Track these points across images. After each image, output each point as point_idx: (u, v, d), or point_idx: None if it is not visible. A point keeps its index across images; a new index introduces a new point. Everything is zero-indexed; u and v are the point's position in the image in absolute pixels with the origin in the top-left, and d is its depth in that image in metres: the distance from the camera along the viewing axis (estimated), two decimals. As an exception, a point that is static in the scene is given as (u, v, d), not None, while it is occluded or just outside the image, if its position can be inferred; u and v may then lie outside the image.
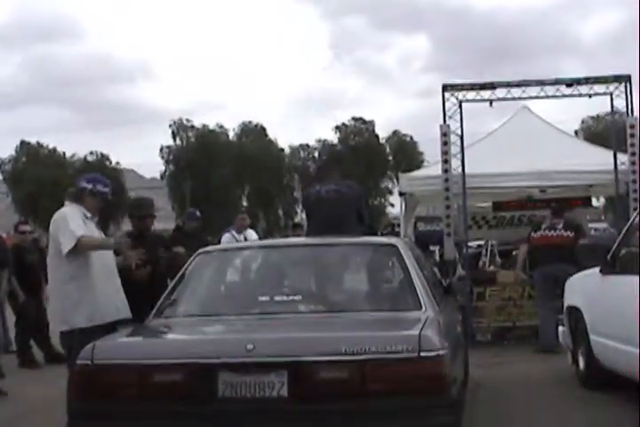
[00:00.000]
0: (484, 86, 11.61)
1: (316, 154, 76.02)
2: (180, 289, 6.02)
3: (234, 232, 12.31)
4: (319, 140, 76.98)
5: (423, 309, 5.45)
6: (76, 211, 6.53)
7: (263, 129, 77.05)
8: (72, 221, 6.35)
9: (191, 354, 4.80)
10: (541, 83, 11.56)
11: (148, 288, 6.71)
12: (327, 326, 5.35)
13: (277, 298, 5.77)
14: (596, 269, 7.77)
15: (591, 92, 11.41)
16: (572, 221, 11.32)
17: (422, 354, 4.58)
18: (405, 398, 4.56)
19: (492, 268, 16.07)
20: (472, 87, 11.63)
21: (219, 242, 11.66)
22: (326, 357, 4.63)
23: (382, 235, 15.52)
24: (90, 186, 6.69)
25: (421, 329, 4.82)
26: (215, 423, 4.68)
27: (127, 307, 6.58)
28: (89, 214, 6.62)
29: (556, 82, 11.50)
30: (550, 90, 11.51)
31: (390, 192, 74.47)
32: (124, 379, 4.82)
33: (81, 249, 6.33)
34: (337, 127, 77.04)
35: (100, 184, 6.77)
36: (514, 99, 11.79)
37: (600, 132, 58.82)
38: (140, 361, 4.82)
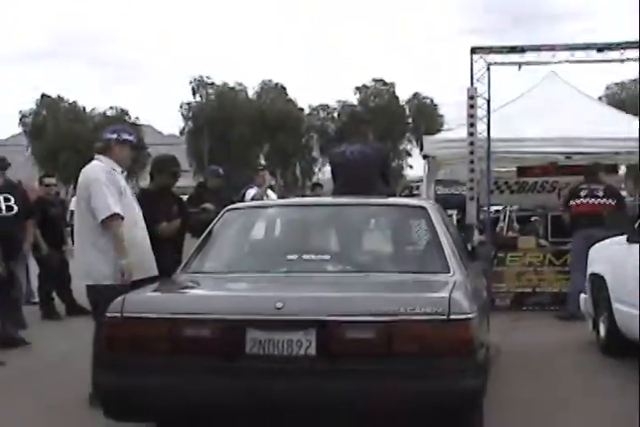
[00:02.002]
0: (513, 49, 11.52)
1: (336, 114, 75.69)
2: (208, 245, 6.02)
3: (256, 188, 12.27)
4: (339, 101, 76.65)
5: (451, 272, 5.44)
6: (108, 169, 6.50)
7: (283, 88, 76.67)
8: (108, 192, 6.33)
9: (220, 310, 4.81)
10: (571, 47, 11.44)
11: (174, 244, 6.72)
12: (356, 287, 5.36)
13: (306, 257, 5.76)
14: (623, 237, 7.74)
15: (622, 57, 11.28)
16: (613, 189, 11.17)
17: (452, 317, 4.58)
18: (433, 360, 4.57)
19: (509, 233, 16.05)
20: (501, 50, 11.53)
21: (242, 198, 11.63)
22: (356, 317, 4.64)
23: (401, 197, 15.48)
24: (115, 136, 6.68)
25: (451, 292, 4.82)
26: (242, 380, 4.69)
27: (154, 264, 6.60)
28: (118, 169, 6.61)
29: (587, 47, 11.38)
30: (580, 55, 11.39)
31: (409, 154, 74.26)
32: (153, 332, 4.84)
33: (109, 225, 6.33)
34: (357, 88, 76.62)
35: (125, 133, 6.78)
36: (543, 63, 11.69)
37: (624, 100, 58.35)
38: (169, 315, 4.83)
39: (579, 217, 10.84)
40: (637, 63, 11.27)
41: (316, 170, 74.65)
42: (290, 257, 5.80)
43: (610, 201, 10.82)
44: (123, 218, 6.34)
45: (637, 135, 11.17)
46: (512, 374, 7.40)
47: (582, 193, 10.96)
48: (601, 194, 10.85)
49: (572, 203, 11.00)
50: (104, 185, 6.35)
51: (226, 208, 6.48)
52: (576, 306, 9.82)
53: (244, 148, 71.52)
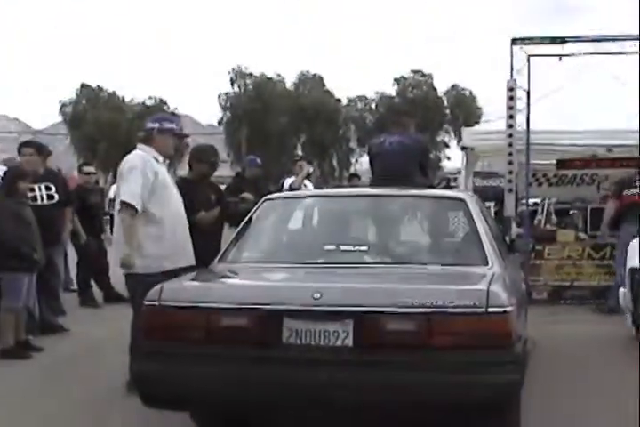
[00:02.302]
0: (553, 40, 11.38)
1: (374, 106, 75.50)
2: (246, 235, 6.03)
3: (294, 177, 12.28)
4: (377, 92, 76.43)
5: (490, 264, 5.40)
6: (147, 159, 6.51)
7: (321, 79, 76.58)
8: (135, 181, 6.36)
9: (258, 299, 4.81)
10: (613, 38, 11.29)
11: (212, 233, 6.73)
12: (394, 278, 5.33)
13: (343, 248, 5.75)
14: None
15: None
16: None
17: (490, 310, 4.55)
18: (470, 353, 4.54)
19: (547, 226, 15.94)
20: (541, 41, 11.41)
21: (280, 188, 11.63)
22: (393, 308, 4.61)
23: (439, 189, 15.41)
24: (157, 125, 6.70)
25: (489, 285, 4.78)
26: (278, 369, 4.70)
27: (192, 254, 6.61)
28: (160, 158, 6.63)
29: (629, 37, 11.22)
30: (623, 46, 11.23)
31: (447, 146, 73.91)
32: (190, 321, 4.86)
33: (120, 212, 6.37)
34: (395, 80, 76.35)
35: (167, 121, 6.79)
36: (585, 54, 11.53)
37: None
38: (206, 304, 4.84)
39: (631, 208, 10.44)
40: None
41: (353, 161, 74.51)
42: (327, 248, 5.79)
43: None
44: (136, 211, 6.34)
45: None
46: (548, 367, 7.35)
47: (638, 184, 10.59)
48: None
49: (626, 193, 10.59)
50: (140, 175, 6.37)
51: (264, 198, 6.48)
52: (617, 300, 9.74)
53: (281, 138, 71.59)
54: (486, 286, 4.74)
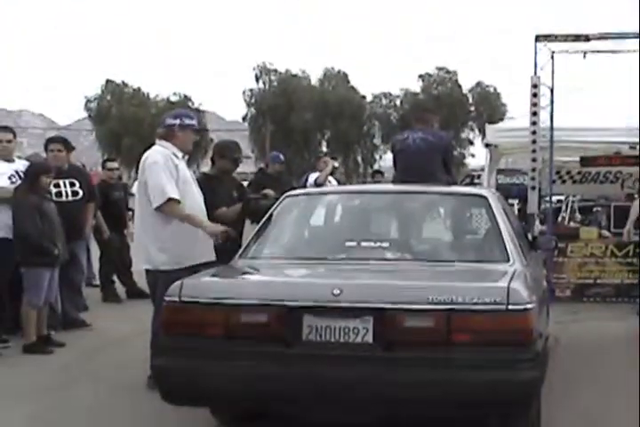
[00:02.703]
0: (578, 38, 11.29)
1: (398, 102, 75.38)
2: (267, 231, 6.03)
3: (318, 173, 12.29)
4: (402, 89, 76.32)
5: (511, 261, 5.39)
6: (167, 154, 6.52)
7: (345, 75, 76.53)
8: (164, 177, 6.35)
9: (278, 296, 4.82)
10: (638, 35, 11.20)
11: (234, 229, 6.73)
12: (414, 275, 5.33)
13: (364, 244, 5.75)
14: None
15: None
16: None
17: (510, 307, 4.54)
18: (491, 350, 4.53)
19: (571, 224, 15.87)
20: (565, 38, 11.35)
21: (304, 184, 11.63)
22: (413, 305, 4.61)
23: (463, 186, 15.38)
24: (177, 121, 6.70)
25: (510, 282, 4.77)
26: (299, 366, 4.70)
27: (213, 251, 6.61)
28: (179, 154, 6.62)
29: (654, 34, 11.13)
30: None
31: (471, 143, 73.70)
32: (210, 317, 4.87)
33: (166, 211, 6.36)
34: (420, 76, 76.19)
35: (187, 117, 6.78)
36: (609, 51, 11.46)
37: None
38: (226, 300, 4.85)
39: None
40: None
41: (377, 157, 74.48)
42: (348, 244, 5.79)
43: None
44: (179, 202, 6.36)
45: None
46: (570, 365, 7.32)
47: None
48: None
49: None
50: (161, 169, 6.37)
51: (285, 194, 6.48)
52: None
53: (305, 134, 71.63)
54: (507, 284, 4.73)
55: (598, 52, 11.42)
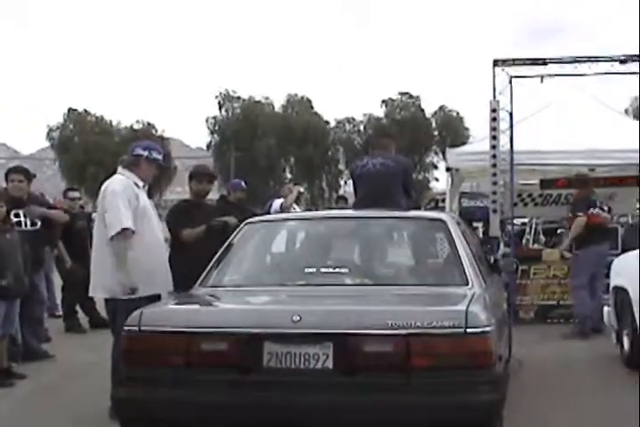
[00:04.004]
0: (535, 62, 11.44)
1: (362, 127, 75.73)
2: (227, 259, 6.04)
3: (283, 200, 12.30)
4: (365, 114, 76.73)
5: (470, 284, 5.43)
6: (128, 183, 6.51)
7: (309, 101, 76.85)
8: (122, 206, 6.33)
9: (237, 323, 4.82)
10: (594, 59, 11.37)
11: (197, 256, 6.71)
12: (373, 300, 5.35)
13: (324, 270, 5.78)
14: (645, 250, 7.69)
15: (644, 69, 11.17)
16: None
17: (469, 330, 4.56)
18: (450, 374, 4.55)
19: (535, 246, 15.97)
20: (523, 63, 11.48)
21: (268, 210, 11.63)
22: (372, 330, 4.63)
23: (426, 210, 15.46)
24: (146, 153, 6.70)
25: (468, 305, 4.80)
26: (260, 393, 4.70)
27: (170, 280, 6.60)
28: (140, 183, 6.62)
29: (610, 59, 11.30)
30: (603, 67, 11.31)
31: (435, 167, 74.13)
32: (170, 346, 4.85)
33: (120, 240, 6.33)
34: (383, 101, 76.65)
35: (156, 151, 6.79)
36: (566, 75, 11.60)
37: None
38: (186, 329, 4.85)
39: (595, 229, 10.48)
40: None
41: (342, 183, 74.67)
42: (308, 270, 5.81)
43: (609, 215, 10.80)
44: (133, 232, 6.34)
45: None
46: (534, 387, 7.35)
47: (597, 204, 10.70)
48: (606, 209, 10.74)
49: (593, 212, 10.58)
50: (120, 199, 6.36)
51: (245, 221, 6.49)
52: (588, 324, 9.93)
53: (270, 161, 71.73)
54: (465, 307, 4.75)
55: (556, 75, 11.56)
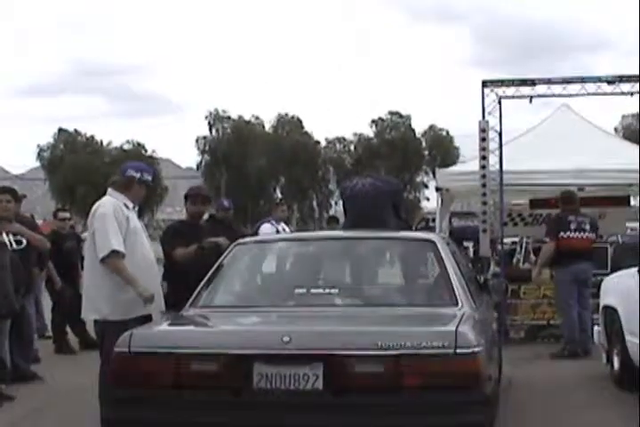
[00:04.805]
0: (524, 82, 11.51)
1: (352, 147, 75.88)
2: (217, 280, 6.04)
3: (273, 222, 12.29)
4: (355, 134, 76.89)
5: (459, 305, 5.44)
6: (118, 205, 6.50)
7: (299, 121, 77.01)
8: (111, 228, 6.31)
9: (227, 345, 4.83)
10: (582, 80, 11.44)
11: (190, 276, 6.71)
12: (363, 320, 5.36)
13: (314, 291, 5.80)
14: (633, 269, 7.71)
15: (633, 90, 11.26)
16: (594, 221, 11.00)
17: (458, 351, 4.58)
18: (440, 394, 4.57)
19: (526, 265, 15.97)
20: (512, 83, 11.56)
21: (256, 232, 11.64)
22: (362, 351, 4.65)
23: (416, 230, 15.50)
24: (138, 175, 6.68)
25: (458, 326, 4.82)
26: (250, 414, 4.71)
27: (162, 300, 6.59)
28: (130, 205, 6.62)
29: (598, 79, 11.38)
30: (591, 87, 11.39)
31: (426, 186, 74.21)
32: (160, 367, 4.87)
33: (109, 263, 6.31)
34: (373, 121, 76.82)
35: (147, 173, 6.78)
36: (554, 96, 11.69)
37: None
38: (176, 350, 4.86)
39: (569, 251, 10.46)
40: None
41: (333, 203, 74.71)
42: (298, 291, 5.82)
43: (593, 235, 10.71)
44: (124, 255, 6.32)
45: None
46: (524, 406, 7.35)
47: (572, 226, 10.64)
48: (588, 227, 10.65)
49: (562, 235, 10.58)
50: (110, 221, 6.35)
51: (235, 242, 6.50)
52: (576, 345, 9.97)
53: (260, 181, 71.79)
54: (455, 327, 4.77)
55: (544, 96, 11.63)
